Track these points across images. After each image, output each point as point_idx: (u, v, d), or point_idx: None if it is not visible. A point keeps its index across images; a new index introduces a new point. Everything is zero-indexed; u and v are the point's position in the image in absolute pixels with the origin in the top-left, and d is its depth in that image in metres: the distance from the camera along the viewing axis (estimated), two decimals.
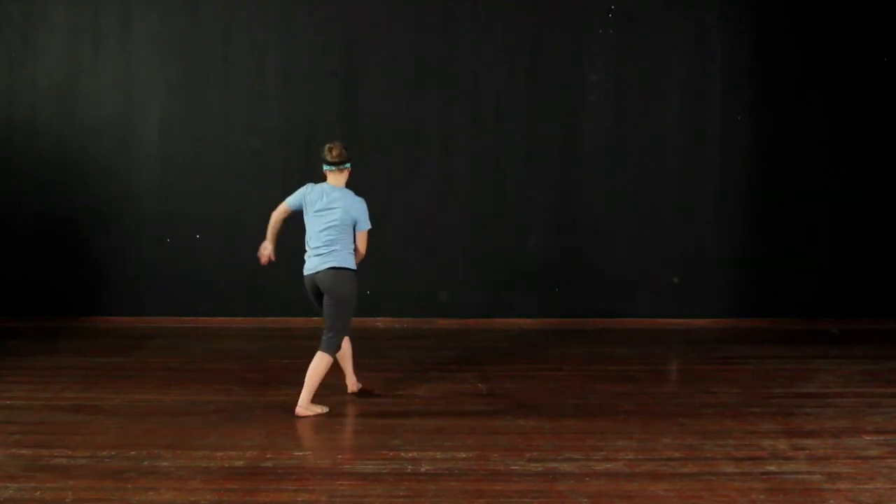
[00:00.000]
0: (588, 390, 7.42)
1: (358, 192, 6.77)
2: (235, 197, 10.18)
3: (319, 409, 6.68)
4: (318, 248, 6.62)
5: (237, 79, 10.19)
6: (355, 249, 6.72)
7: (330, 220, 6.60)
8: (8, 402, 6.93)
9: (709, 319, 10.32)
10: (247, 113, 10.21)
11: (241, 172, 10.20)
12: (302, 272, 6.74)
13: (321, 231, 6.61)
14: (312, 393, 6.65)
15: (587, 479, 5.37)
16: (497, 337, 9.66)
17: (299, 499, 5.05)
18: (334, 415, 6.61)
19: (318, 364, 6.63)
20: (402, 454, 5.80)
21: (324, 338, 6.65)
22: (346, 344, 7.03)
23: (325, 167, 6.72)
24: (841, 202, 10.45)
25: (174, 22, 10.16)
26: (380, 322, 10.21)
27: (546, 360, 8.63)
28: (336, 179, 6.71)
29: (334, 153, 6.67)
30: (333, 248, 6.59)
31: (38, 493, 5.08)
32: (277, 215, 6.79)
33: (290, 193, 6.81)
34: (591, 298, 10.35)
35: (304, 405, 6.63)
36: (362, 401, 7.06)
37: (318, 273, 6.61)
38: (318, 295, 6.71)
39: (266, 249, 6.77)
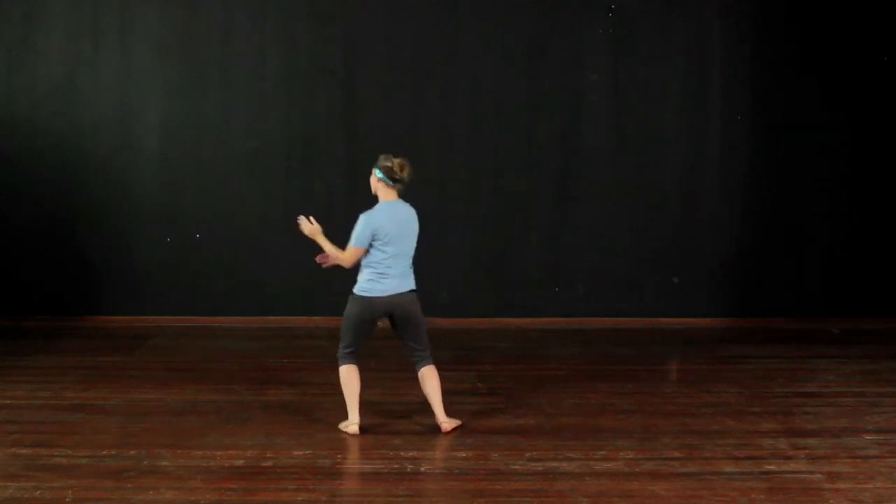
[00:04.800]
0: (588, 390, 7.42)
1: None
2: (235, 197, 10.17)
3: (457, 422, 6.40)
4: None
5: (237, 79, 10.19)
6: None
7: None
8: (8, 401, 6.93)
9: (709, 319, 10.32)
10: (247, 113, 10.20)
11: (240, 172, 10.19)
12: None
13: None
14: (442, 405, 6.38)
15: (587, 478, 5.37)
16: (497, 337, 9.65)
17: (299, 499, 5.05)
18: (334, 415, 6.60)
19: (434, 377, 6.37)
20: (402, 454, 5.80)
21: (426, 354, 6.47)
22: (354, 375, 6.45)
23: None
24: (841, 202, 10.44)
25: (174, 22, 10.16)
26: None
27: (546, 360, 8.63)
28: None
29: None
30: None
31: (38, 492, 5.09)
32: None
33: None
34: (591, 298, 10.34)
35: (445, 419, 6.31)
36: (362, 401, 7.04)
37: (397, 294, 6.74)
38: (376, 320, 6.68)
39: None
